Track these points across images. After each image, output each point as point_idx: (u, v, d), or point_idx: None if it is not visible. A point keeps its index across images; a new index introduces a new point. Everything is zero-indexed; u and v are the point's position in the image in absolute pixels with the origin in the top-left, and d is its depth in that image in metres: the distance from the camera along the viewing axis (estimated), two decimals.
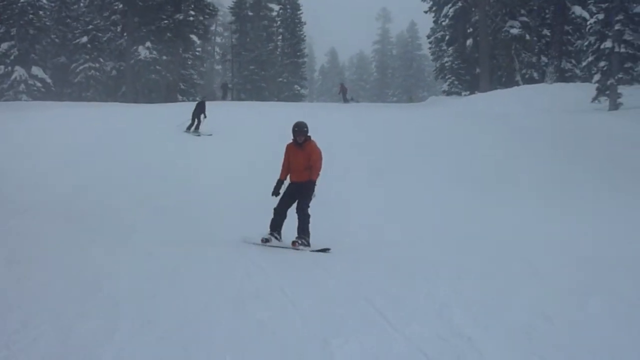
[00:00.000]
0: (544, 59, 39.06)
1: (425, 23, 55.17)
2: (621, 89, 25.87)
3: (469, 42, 45.14)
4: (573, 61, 38.16)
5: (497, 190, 14.05)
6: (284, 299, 5.33)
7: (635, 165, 16.36)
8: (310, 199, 8.31)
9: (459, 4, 44.69)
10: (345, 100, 39.41)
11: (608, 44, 26.30)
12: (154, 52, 45.00)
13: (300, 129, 8.34)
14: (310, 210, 8.31)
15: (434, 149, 17.81)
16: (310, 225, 8.28)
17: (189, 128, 20.61)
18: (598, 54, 27.08)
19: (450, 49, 46.56)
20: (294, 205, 8.38)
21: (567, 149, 18.33)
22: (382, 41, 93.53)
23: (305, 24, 60.75)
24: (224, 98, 43.64)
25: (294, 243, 8.21)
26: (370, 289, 5.74)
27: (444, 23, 47.44)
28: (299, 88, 59.65)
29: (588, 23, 28.63)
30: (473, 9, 43.66)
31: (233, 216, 10.97)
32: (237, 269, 6.49)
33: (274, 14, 61.12)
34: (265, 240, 8.29)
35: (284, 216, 8.41)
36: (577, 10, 37.37)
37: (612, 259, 8.10)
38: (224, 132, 20.45)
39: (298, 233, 8.27)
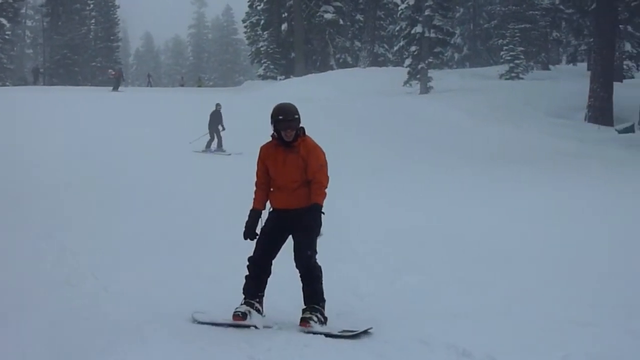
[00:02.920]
0: (357, 43, 38.77)
1: (241, 7, 53.68)
2: (431, 72, 25.61)
3: (284, 26, 43.40)
4: (385, 46, 38.21)
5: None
6: None
7: (451, 144, 16.65)
8: (317, 237, 4.48)
9: None
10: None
11: (419, 29, 25.79)
12: None
13: (288, 118, 4.43)
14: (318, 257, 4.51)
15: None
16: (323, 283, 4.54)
17: (208, 145, 15.85)
18: (409, 39, 26.63)
19: (265, 33, 44.71)
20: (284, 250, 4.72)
21: (384, 131, 17.93)
22: (197, 25, 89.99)
23: (119, 7, 58.12)
24: (35, 83, 39.69)
25: (304, 321, 4.36)
26: None
27: (259, 7, 45.72)
28: (113, 72, 55.47)
29: (399, 8, 28.10)
30: None
31: None
32: None
33: None
34: (241, 316, 4.41)
35: (268, 272, 4.60)
36: None
37: (426, 233, 7.52)
38: None
39: (306, 301, 4.46)
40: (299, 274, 4.45)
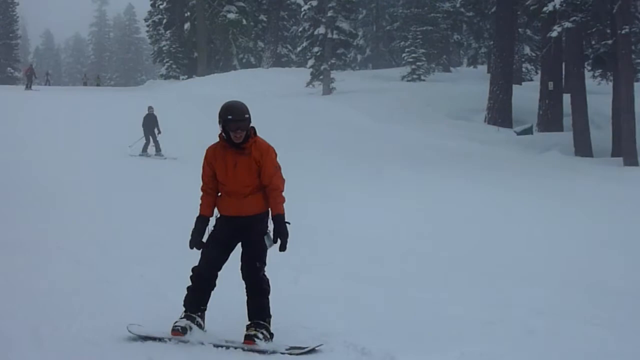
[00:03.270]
0: (260, 43, 37.90)
1: (143, 6, 51.87)
2: (334, 74, 25.11)
3: (187, 26, 41.94)
4: (289, 46, 37.48)
5: None
6: None
7: (359, 148, 16.19)
8: (266, 250, 4.04)
9: None
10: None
11: (321, 30, 25.25)
12: None
13: (237, 118, 3.94)
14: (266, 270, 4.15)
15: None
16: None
17: (145, 149, 15.29)
18: (312, 40, 26.13)
19: (168, 32, 43.17)
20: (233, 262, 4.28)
21: (283, 132, 16.73)
22: (99, 23, 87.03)
23: (18, 4, 56.24)
24: None
25: (248, 338, 3.94)
26: None
27: (161, 6, 44.18)
28: (12, 70, 54.51)
29: (302, 9, 27.44)
30: None
31: None
32: None
33: None
34: (180, 331, 3.98)
35: (213, 284, 4.14)
36: None
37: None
38: None
39: (250, 316, 4.07)
40: (244, 286, 4.09)
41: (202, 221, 4.17)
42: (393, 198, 10.22)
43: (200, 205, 4.21)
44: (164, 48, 42.14)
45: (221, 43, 36.57)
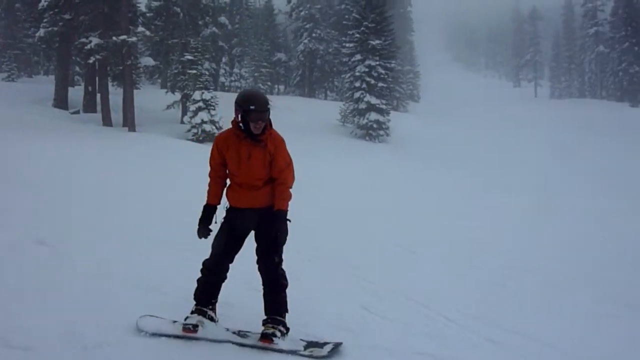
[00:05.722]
0: None
1: None
2: None
3: None
4: None
5: None
6: None
7: None
8: (283, 244, 3.84)
9: None
10: None
11: None
12: None
13: (261, 108, 3.70)
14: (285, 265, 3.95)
15: None
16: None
17: None
18: None
19: None
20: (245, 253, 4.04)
21: None
22: None
23: None
24: None
25: (266, 337, 3.77)
26: None
27: None
28: None
29: None
30: None
31: None
32: None
33: None
34: (192, 329, 3.80)
35: (224, 277, 3.98)
36: None
37: None
38: None
39: (268, 312, 3.91)
40: (261, 281, 3.84)
41: (209, 210, 3.87)
42: None
43: (208, 193, 3.90)
44: None
45: None
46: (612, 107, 45.08)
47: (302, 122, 28.95)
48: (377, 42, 29.22)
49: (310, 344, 3.78)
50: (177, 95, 27.28)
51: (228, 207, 3.92)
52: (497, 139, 30.02)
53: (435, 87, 70.35)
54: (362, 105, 29.06)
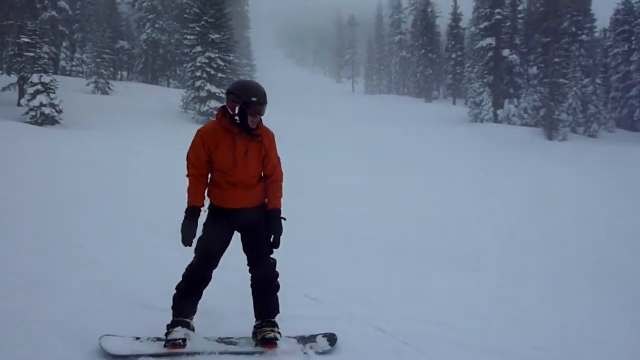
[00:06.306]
0: None
1: None
2: None
3: None
4: None
5: None
6: None
7: None
8: (279, 244, 3.63)
9: None
10: None
11: None
12: None
13: (262, 101, 3.44)
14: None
15: None
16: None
17: None
18: None
19: None
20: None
21: None
22: None
23: None
24: None
25: (269, 342, 3.52)
26: None
27: None
28: None
29: None
30: None
31: None
32: None
33: None
34: (182, 344, 3.41)
35: (208, 283, 3.67)
36: None
37: None
38: None
39: (262, 315, 3.67)
40: (252, 282, 3.57)
41: (194, 213, 3.42)
42: None
43: (190, 194, 3.43)
44: None
45: None
46: (410, 102, 53.71)
47: (145, 108, 30.38)
48: (217, 36, 31.78)
49: (301, 340, 3.63)
50: (14, 78, 26.97)
51: (207, 207, 3.56)
52: (323, 124, 34.59)
53: (271, 80, 74.66)
54: (204, 94, 31.45)
